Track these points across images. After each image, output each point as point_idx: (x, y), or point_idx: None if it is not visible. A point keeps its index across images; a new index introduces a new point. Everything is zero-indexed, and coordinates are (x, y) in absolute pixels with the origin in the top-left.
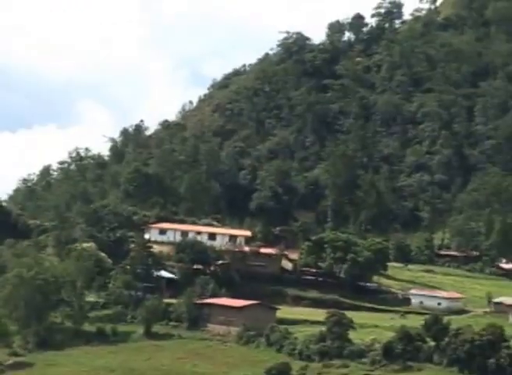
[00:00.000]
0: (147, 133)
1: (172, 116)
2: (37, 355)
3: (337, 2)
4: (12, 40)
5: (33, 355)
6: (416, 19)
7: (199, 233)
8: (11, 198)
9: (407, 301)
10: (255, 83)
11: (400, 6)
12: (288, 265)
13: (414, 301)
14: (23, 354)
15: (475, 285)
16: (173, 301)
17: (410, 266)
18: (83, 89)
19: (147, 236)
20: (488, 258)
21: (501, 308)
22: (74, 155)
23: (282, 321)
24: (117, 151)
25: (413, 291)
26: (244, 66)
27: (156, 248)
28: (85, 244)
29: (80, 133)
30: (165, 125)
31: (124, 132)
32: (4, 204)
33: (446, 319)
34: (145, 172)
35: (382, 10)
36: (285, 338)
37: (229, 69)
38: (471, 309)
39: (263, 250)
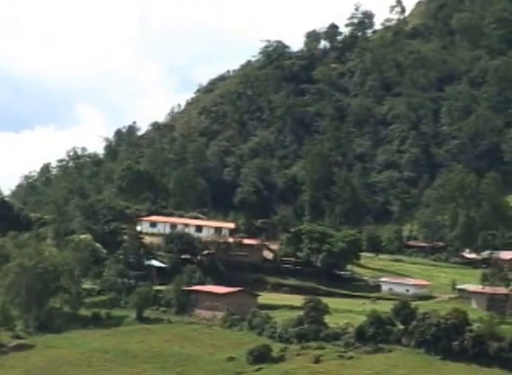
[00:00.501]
0: (139, 133)
1: (161, 117)
2: (38, 337)
3: (314, 13)
4: (17, 47)
5: (33, 338)
6: (386, 28)
7: (187, 225)
8: (13, 193)
9: (377, 288)
10: (238, 87)
11: (371, 16)
12: (269, 254)
13: (384, 288)
14: (25, 337)
15: (441, 273)
16: (163, 288)
17: (380, 256)
18: (81, 93)
19: (138, 228)
20: (453, 248)
21: (464, 295)
22: (72, 153)
23: (263, 306)
24: (111, 150)
25: (383, 279)
26: (228, 71)
27: (147, 239)
28: (82, 236)
29: (78, 134)
30: (156, 126)
31: (118, 132)
32: (7, 199)
33: (413, 304)
34: (137, 169)
35: (355, 20)
36: (265, 322)
37: (214, 75)
38: (436, 295)
39: (246, 241)
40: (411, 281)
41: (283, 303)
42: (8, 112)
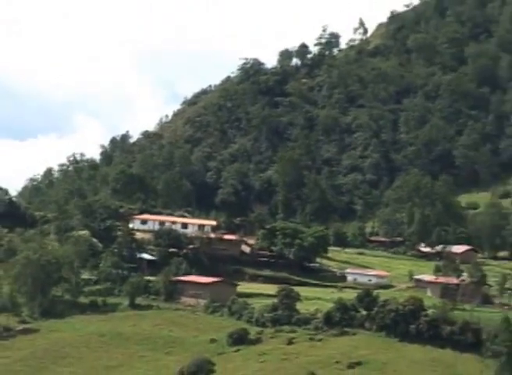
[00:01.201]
0: (131, 141)
1: (151, 127)
2: (42, 322)
3: (286, 34)
4: (22, 64)
5: (38, 323)
6: (351, 47)
7: (173, 222)
8: (20, 194)
9: (343, 278)
10: (219, 100)
11: (337, 37)
12: (246, 248)
13: (350, 278)
14: (30, 321)
15: (399, 265)
16: (153, 278)
17: (346, 250)
18: (79, 105)
19: (131, 225)
20: (410, 243)
21: (420, 284)
22: (71, 159)
23: (241, 295)
24: (107, 155)
25: (348, 270)
26: (210, 86)
27: (138, 235)
28: (81, 232)
29: (77, 142)
30: (146, 134)
31: (112, 140)
32: (14, 199)
33: (375, 292)
34: (129, 173)
35: (323, 40)
36: (244, 308)
37: (197, 89)
38: (395, 285)
39: (226, 236)
40: (373, 272)
41: (259, 292)
42: (14, 123)
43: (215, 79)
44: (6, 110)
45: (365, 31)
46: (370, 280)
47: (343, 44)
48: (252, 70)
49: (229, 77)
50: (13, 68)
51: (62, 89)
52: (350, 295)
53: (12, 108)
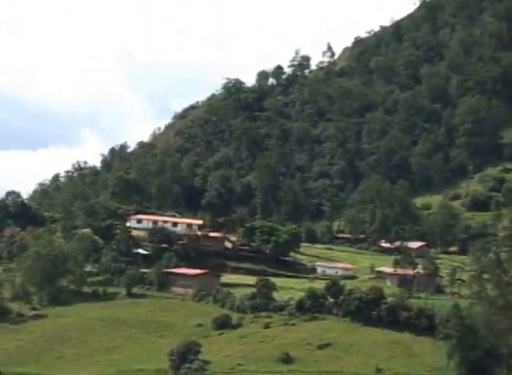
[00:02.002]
0: (128, 150)
1: (146, 138)
2: (50, 309)
3: (263, 57)
4: (36, 83)
5: (46, 309)
6: (320, 68)
7: (165, 222)
8: (31, 197)
9: (313, 270)
10: (205, 114)
11: (308, 59)
12: (229, 244)
13: (319, 270)
14: (40, 308)
15: (362, 259)
16: (147, 270)
17: (316, 245)
18: (83, 119)
19: (128, 224)
20: (372, 239)
21: (381, 275)
22: (76, 166)
23: (224, 285)
24: (107, 163)
25: (318, 263)
26: (197, 102)
27: (134, 233)
28: (84, 230)
29: (81, 151)
30: (141, 145)
31: (112, 150)
32: (26, 201)
33: (341, 283)
34: (127, 178)
35: (296, 62)
36: (227, 297)
37: (186, 105)
38: (359, 276)
39: (211, 234)
40: (340, 265)
41: (240, 282)
42: (27, 135)
43: (201, 96)
44: (21, 124)
45: (332, 54)
46: (337, 272)
47: (313, 66)
48: (234, 89)
49: (214, 95)
50: (29, 87)
51: (70, 106)
52: (319, 285)
53: (25, 121)
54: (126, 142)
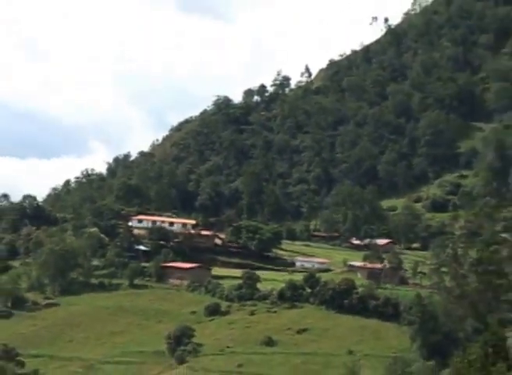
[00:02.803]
0: (131, 159)
1: (146, 148)
2: (61, 298)
3: (249, 77)
4: (51, 99)
5: (58, 299)
6: (298, 87)
7: (163, 221)
8: (45, 200)
9: (293, 264)
10: (198, 127)
11: (288, 79)
12: (218, 241)
13: (298, 264)
14: (53, 298)
15: (336, 254)
16: (147, 264)
17: (295, 242)
18: (91, 131)
19: (130, 224)
20: (344, 237)
21: (352, 269)
22: (85, 173)
23: (215, 277)
24: (111, 170)
25: (297, 258)
26: (191, 117)
27: (136, 231)
28: (91, 229)
29: (89, 160)
30: (142, 154)
31: (116, 159)
32: (40, 204)
33: (317, 275)
34: (129, 183)
35: (278, 82)
36: (217, 287)
37: (181, 119)
38: (333, 269)
39: (203, 232)
40: (316, 259)
41: (228, 274)
42: (42, 145)
43: (195, 111)
44: (38, 135)
45: (309, 75)
46: (313, 266)
47: (292, 85)
48: (223, 105)
49: (205, 110)
50: (45, 103)
51: (80, 120)
52: (298, 277)
53: (42, 134)
54: (128, 152)
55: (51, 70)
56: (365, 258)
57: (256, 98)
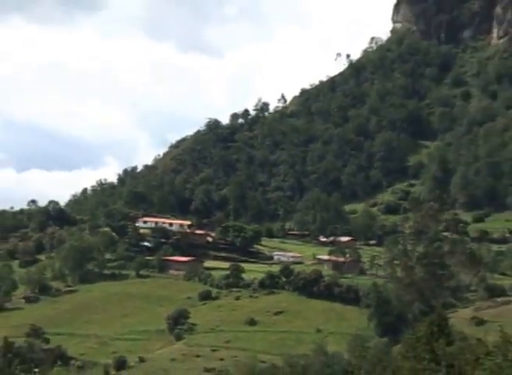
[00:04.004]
0: (137, 171)
1: (150, 162)
2: (79, 286)
3: (235, 104)
4: (73, 122)
5: (77, 286)
6: (276, 111)
7: (164, 222)
8: (66, 204)
9: (271, 258)
10: (192, 145)
11: (267, 105)
12: (210, 239)
13: (275, 257)
14: (72, 285)
15: (307, 249)
16: (150, 258)
17: (273, 240)
18: (105, 148)
19: (136, 224)
20: (313, 235)
21: (320, 261)
22: (99, 182)
23: (206, 268)
24: (121, 180)
25: (275, 253)
26: (187, 136)
27: (141, 231)
28: (104, 229)
29: (103, 172)
30: (146, 167)
31: (125, 171)
32: (63, 208)
33: (292, 266)
34: (135, 191)
35: (258, 107)
36: (208, 277)
37: (179, 138)
38: (304, 262)
39: (197, 231)
40: (290, 254)
41: (218, 266)
42: (64, 159)
43: (190, 131)
44: (61, 151)
45: (285, 101)
46: (288, 259)
47: (271, 109)
48: (213, 126)
49: (199, 130)
50: (67, 124)
51: (96, 139)
52: (275, 268)
53: (64, 150)
54: (135, 165)
55: (72, 98)
56: (331, 253)
57: (240, 120)
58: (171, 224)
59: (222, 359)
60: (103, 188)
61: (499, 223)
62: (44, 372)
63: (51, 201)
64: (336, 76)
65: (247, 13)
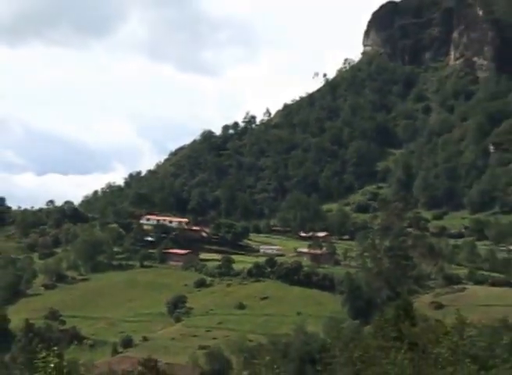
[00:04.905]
0: (141, 175)
1: (152, 167)
2: (91, 275)
3: (226, 117)
4: (86, 132)
5: (89, 275)
6: (262, 123)
7: (164, 220)
8: (80, 204)
9: (258, 250)
10: (189, 152)
11: (254, 117)
12: (204, 234)
13: (261, 250)
14: (85, 274)
15: (288, 243)
16: (153, 251)
17: (259, 235)
18: (114, 155)
19: (141, 221)
20: (295, 231)
21: (300, 254)
22: (108, 185)
23: (201, 260)
24: (127, 183)
25: (261, 246)
26: (185, 145)
27: (145, 227)
28: (113, 225)
29: (112, 176)
30: (149, 171)
31: (130, 175)
32: (77, 207)
33: (276, 258)
34: (140, 192)
35: (247, 119)
36: (203, 267)
37: (177, 146)
38: (286, 254)
39: (193, 228)
40: (275, 247)
41: (211, 258)
42: (79, 165)
43: (187, 140)
44: (76, 158)
45: (269, 114)
46: (273, 252)
47: (257, 122)
48: (208, 136)
49: (195, 140)
50: (81, 135)
51: (106, 147)
52: (261, 260)
53: (79, 157)
54: (140, 170)
55: (85, 112)
56: (309, 246)
57: (231, 131)
58: (170, 221)
59: (215, 338)
60: (111, 190)
61: (456, 220)
62: (61, 349)
63: (66, 202)
64: (314, 92)
65: (237, 38)
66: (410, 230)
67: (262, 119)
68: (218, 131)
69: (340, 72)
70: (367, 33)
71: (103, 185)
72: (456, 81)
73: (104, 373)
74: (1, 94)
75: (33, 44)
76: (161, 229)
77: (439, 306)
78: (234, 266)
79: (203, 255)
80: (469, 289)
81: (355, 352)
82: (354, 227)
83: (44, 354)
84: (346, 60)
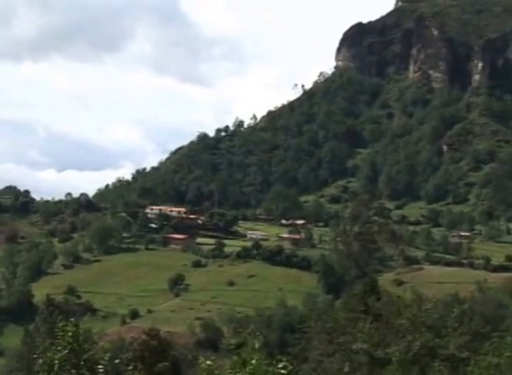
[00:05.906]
0: (146, 171)
1: (156, 164)
2: (103, 257)
3: (219, 121)
4: (97, 134)
5: (101, 257)
6: (249, 127)
7: (166, 209)
8: (94, 196)
9: (246, 236)
10: (187, 152)
11: (243, 122)
12: (200, 222)
13: (248, 235)
14: (98, 256)
15: (272, 229)
16: (156, 236)
17: (247, 222)
18: (123, 154)
19: (146, 210)
20: (277, 219)
21: (282, 238)
22: (118, 179)
23: (198, 244)
24: (135, 178)
25: (248, 232)
26: (183, 145)
27: (149, 216)
28: (122, 214)
29: (121, 172)
30: (153, 168)
31: (137, 171)
32: (91, 198)
33: (261, 242)
34: (145, 186)
35: (236, 123)
36: (199, 250)
37: (177, 146)
38: (270, 239)
39: (191, 216)
40: (260, 233)
41: (206, 242)
42: (93, 162)
43: (185, 142)
44: (90, 156)
45: (256, 119)
46: (258, 237)
47: (245, 125)
48: (203, 138)
49: (192, 141)
50: (93, 136)
51: (116, 147)
52: (248, 243)
53: (92, 155)
54: (145, 167)
55: (98, 117)
56: (290, 232)
57: (223, 133)
58: (171, 211)
59: (209, 311)
60: (121, 184)
61: (414, 210)
62: (77, 320)
63: (82, 194)
64: (293, 100)
65: (228, 54)
66: (375, 218)
67: (249, 124)
68: (211, 134)
69: (316, 83)
70: (339, 50)
71: (113, 180)
72: (415, 91)
73: (114, 341)
74: (27, 102)
75: (54, 60)
76: (162, 217)
77: (400, 283)
78: (225, 249)
79: (199, 240)
80: (425, 269)
81: (328, 323)
82: (328, 216)
83: (62, 324)
84: (321, 73)
